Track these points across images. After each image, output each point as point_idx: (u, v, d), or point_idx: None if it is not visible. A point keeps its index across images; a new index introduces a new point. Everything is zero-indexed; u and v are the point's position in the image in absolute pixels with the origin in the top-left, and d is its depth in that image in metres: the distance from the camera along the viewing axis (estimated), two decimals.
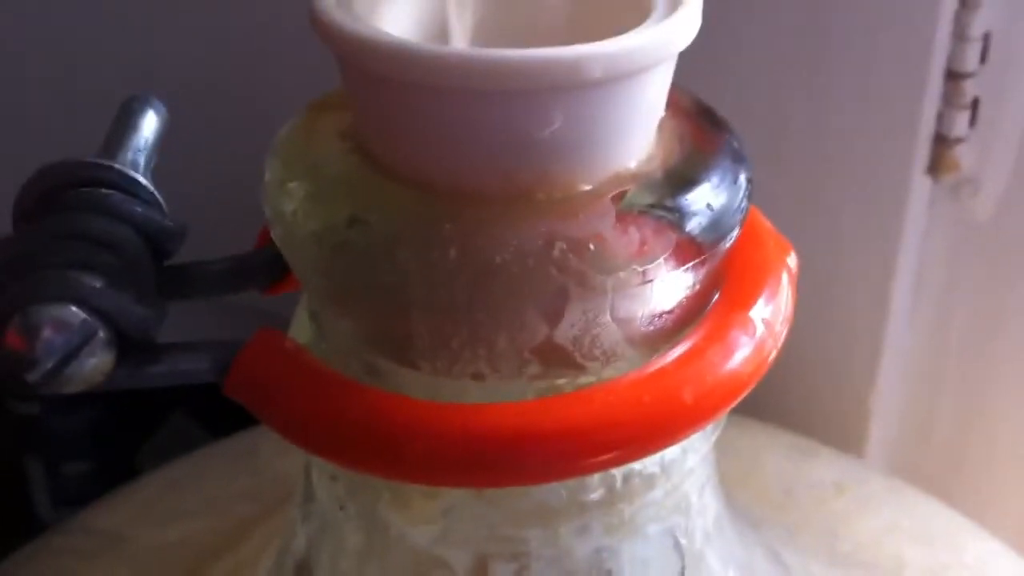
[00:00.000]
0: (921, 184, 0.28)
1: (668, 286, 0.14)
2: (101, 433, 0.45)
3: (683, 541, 0.16)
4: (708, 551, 0.17)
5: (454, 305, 0.13)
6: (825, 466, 0.24)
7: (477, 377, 0.14)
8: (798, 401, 0.30)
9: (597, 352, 0.14)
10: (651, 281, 0.13)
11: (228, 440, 0.26)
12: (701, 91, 0.16)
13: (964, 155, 0.28)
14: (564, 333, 0.13)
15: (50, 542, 0.23)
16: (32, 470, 0.46)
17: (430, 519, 0.15)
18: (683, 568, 0.16)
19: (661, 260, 0.13)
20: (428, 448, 0.13)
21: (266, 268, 0.16)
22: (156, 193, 0.16)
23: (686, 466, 0.15)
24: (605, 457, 0.13)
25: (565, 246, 0.13)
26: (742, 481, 0.22)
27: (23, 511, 0.46)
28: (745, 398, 0.21)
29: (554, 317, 0.13)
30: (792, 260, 0.15)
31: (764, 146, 0.29)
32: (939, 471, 0.30)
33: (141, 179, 0.16)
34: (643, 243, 0.13)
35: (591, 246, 0.13)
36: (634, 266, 0.13)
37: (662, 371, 0.13)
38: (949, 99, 0.27)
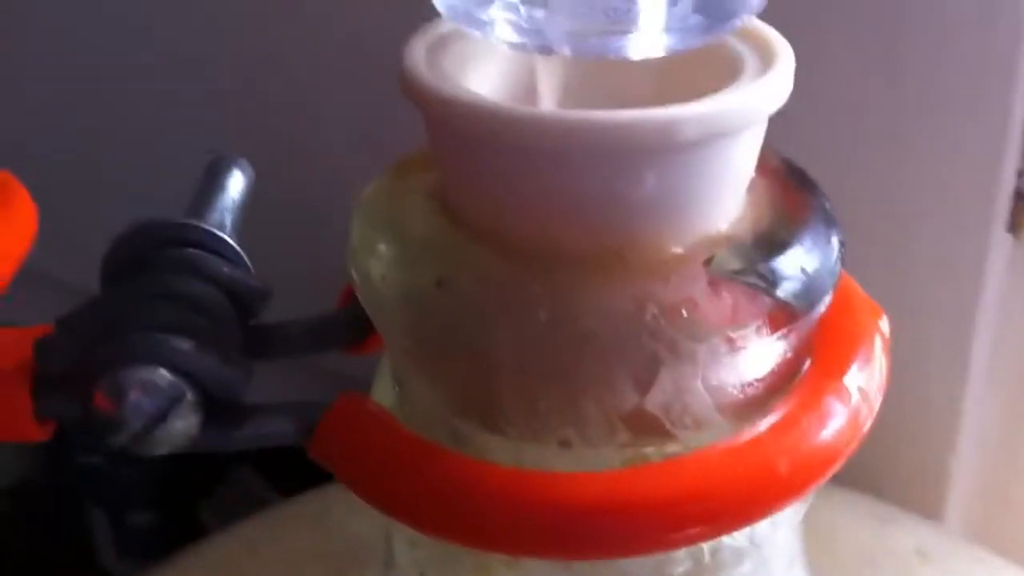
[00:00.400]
0: (1002, 243, 0.27)
1: (760, 353, 0.13)
2: (165, 483, 0.45)
3: None
4: None
5: (543, 369, 0.13)
6: (906, 533, 0.24)
7: (564, 444, 0.13)
8: (876, 466, 0.29)
9: (687, 420, 0.13)
10: (744, 348, 0.13)
11: (298, 500, 0.26)
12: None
13: None
14: (654, 400, 0.13)
15: None
16: (96, 520, 0.46)
17: None
18: None
19: (754, 327, 0.13)
20: (512, 517, 0.13)
21: (349, 328, 0.16)
22: (242, 253, 0.16)
23: (776, 540, 0.15)
24: (695, 531, 0.13)
25: (657, 311, 0.13)
26: (821, 551, 0.21)
27: (88, 562, 0.46)
28: None
29: (645, 384, 0.13)
30: (885, 325, 0.15)
31: (841, 207, 0.29)
32: (1020, 537, 0.29)
33: (228, 239, 0.16)
34: (736, 309, 0.13)
35: (683, 312, 0.13)
36: (727, 333, 0.13)
37: (756, 441, 0.13)
38: None
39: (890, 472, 0.29)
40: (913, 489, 0.29)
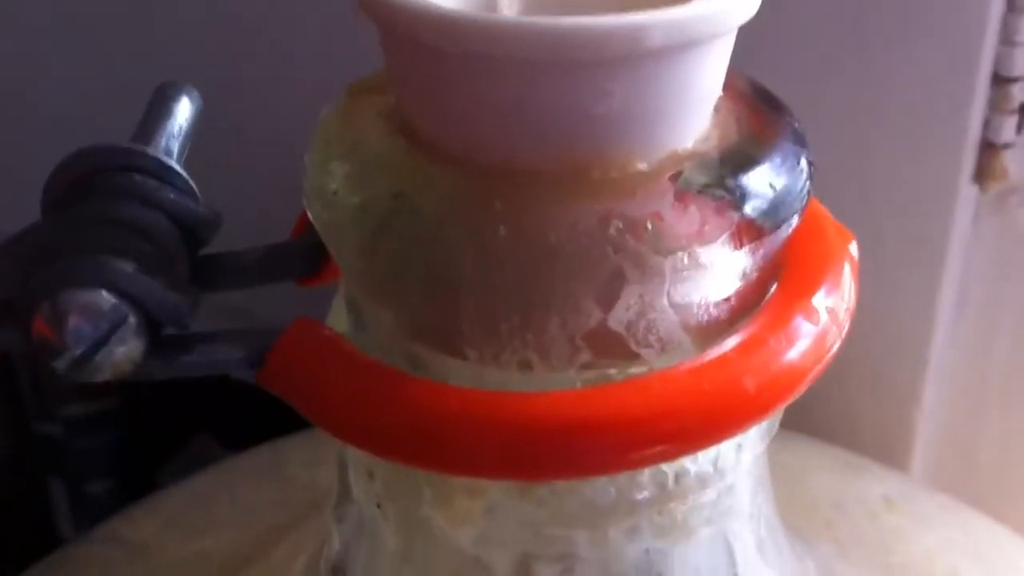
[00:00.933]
0: (968, 194, 0.27)
1: (727, 270, 0.13)
2: (123, 454, 0.44)
3: (736, 546, 0.15)
4: (760, 559, 0.16)
5: (504, 287, 0.12)
6: (874, 481, 0.24)
7: (525, 366, 0.13)
8: (842, 417, 0.29)
9: (652, 339, 0.13)
10: (710, 264, 0.13)
11: (254, 451, 0.25)
12: None
13: (1012, 162, 0.27)
14: (618, 318, 0.13)
15: (72, 552, 0.23)
16: (54, 490, 0.45)
17: (471, 519, 0.14)
18: (736, 570, 0.15)
19: (721, 241, 0.12)
20: (473, 438, 0.12)
21: (303, 257, 0.16)
22: (190, 180, 0.16)
23: (741, 466, 0.14)
24: (660, 449, 0.12)
25: (622, 225, 0.12)
26: (789, 497, 0.21)
27: (46, 532, 0.45)
28: (788, 414, 0.20)
29: (609, 300, 0.12)
30: (854, 249, 0.15)
31: None
32: (985, 488, 0.29)
33: (175, 165, 0.16)
34: (703, 223, 0.12)
35: (649, 225, 0.12)
36: (693, 247, 0.12)
37: (723, 359, 0.13)
38: (996, 104, 0.26)
39: (856, 426, 0.29)
40: (879, 442, 0.29)
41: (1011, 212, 0.28)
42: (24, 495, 0.46)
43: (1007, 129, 0.27)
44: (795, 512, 0.21)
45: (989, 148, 0.27)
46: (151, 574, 0.21)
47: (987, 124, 0.27)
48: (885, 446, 0.29)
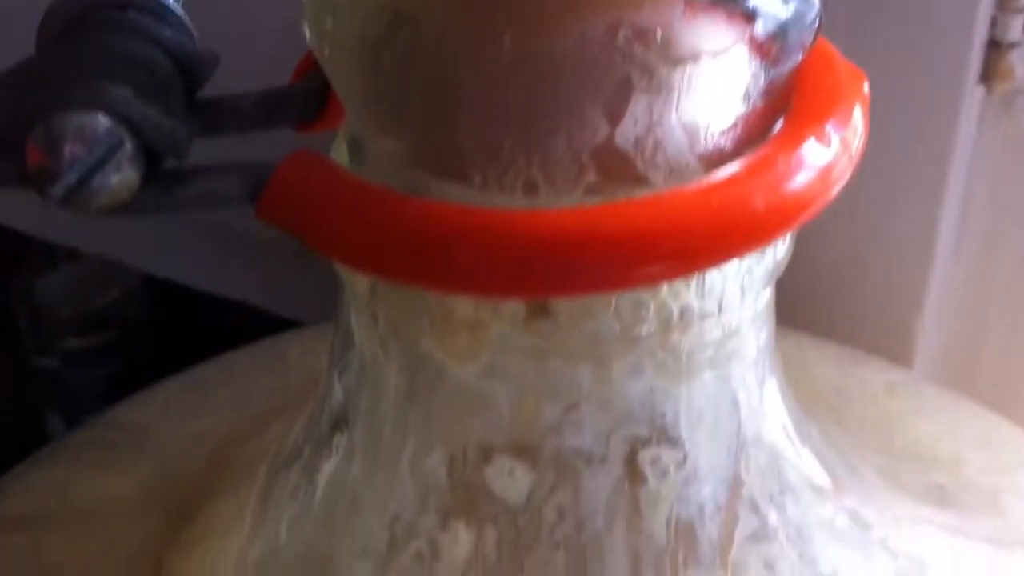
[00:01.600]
0: (974, 95, 0.27)
1: (734, 87, 0.13)
2: (120, 387, 0.44)
3: (740, 394, 0.15)
4: (766, 412, 0.16)
5: (509, 101, 0.12)
6: (876, 371, 0.23)
7: (529, 189, 0.13)
8: (844, 322, 0.29)
9: (659, 160, 0.13)
10: (718, 76, 0.12)
11: (255, 344, 0.25)
12: None
13: (1019, 62, 0.27)
14: (625, 134, 0.12)
15: (74, 438, 0.23)
16: (52, 424, 0.45)
17: (475, 354, 0.14)
18: (740, 423, 0.15)
19: (729, 53, 0.12)
20: (478, 253, 0.12)
21: (302, 102, 0.15)
22: (186, 20, 0.15)
23: (744, 309, 0.14)
24: (667, 265, 0.12)
25: (631, 33, 0.12)
26: (789, 380, 0.21)
27: None
28: (790, 316, 0.20)
29: (616, 111, 0.12)
30: (866, 87, 0.14)
31: None
32: (986, 393, 0.29)
33: (172, 4, 0.15)
34: (712, 34, 0.12)
35: (658, 33, 0.12)
36: (702, 57, 0.12)
37: (732, 178, 0.12)
38: (1003, 3, 0.26)
39: (859, 331, 0.29)
40: (881, 348, 0.29)
41: (1017, 114, 0.27)
42: (21, 429, 0.46)
43: (1014, 28, 0.26)
44: (797, 396, 0.21)
45: (996, 48, 0.27)
46: (149, 453, 0.21)
47: (994, 23, 0.26)
48: (887, 354, 0.29)
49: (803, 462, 0.17)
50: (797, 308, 0.25)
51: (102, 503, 0.20)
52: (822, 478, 0.17)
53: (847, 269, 0.30)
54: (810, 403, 0.21)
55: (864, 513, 0.17)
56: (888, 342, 0.28)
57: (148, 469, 0.20)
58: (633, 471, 0.15)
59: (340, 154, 0.15)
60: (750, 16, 0.12)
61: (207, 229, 0.37)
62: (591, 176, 0.13)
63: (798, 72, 0.14)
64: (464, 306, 0.14)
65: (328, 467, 0.16)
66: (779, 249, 0.14)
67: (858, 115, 0.14)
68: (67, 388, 0.46)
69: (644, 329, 0.13)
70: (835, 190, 0.13)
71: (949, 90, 0.27)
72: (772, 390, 0.16)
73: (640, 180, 0.13)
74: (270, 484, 0.17)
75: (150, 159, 0.14)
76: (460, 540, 0.15)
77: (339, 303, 0.16)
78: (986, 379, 0.29)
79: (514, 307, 0.14)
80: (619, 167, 0.13)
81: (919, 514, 0.18)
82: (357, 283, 0.14)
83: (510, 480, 0.15)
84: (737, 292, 0.14)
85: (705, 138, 0.13)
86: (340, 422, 0.16)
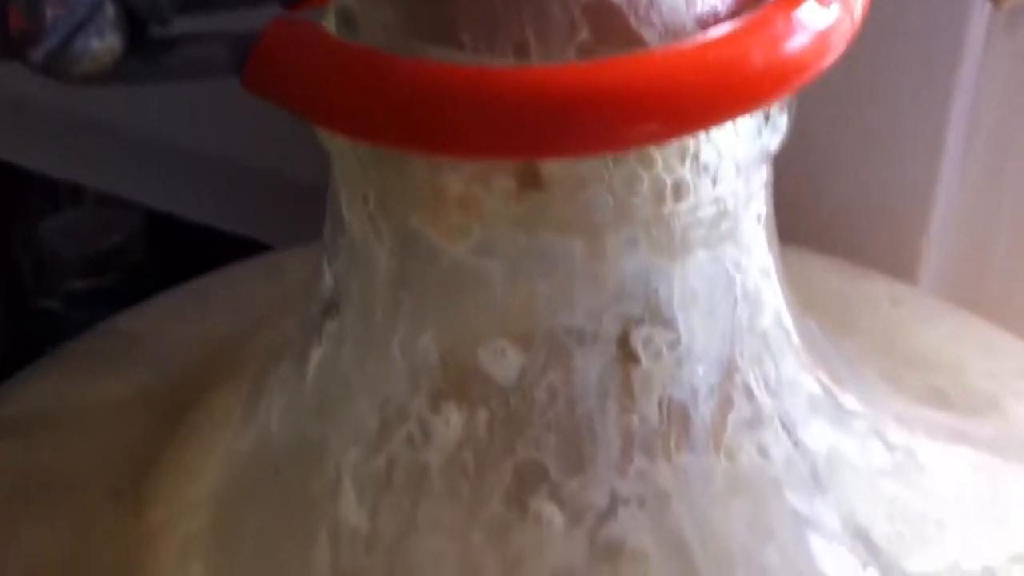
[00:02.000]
0: (980, 11, 0.26)
1: None
2: None
3: (736, 278, 0.15)
4: (762, 299, 0.16)
5: None
6: (879, 284, 0.23)
7: (521, 50, 0.12)
8: (849, 241, 0.28)
9: (654, 18, 0.12)
10: None
11: (254, 259, 0.25)
12: None
13: None
14: None
15: (72, 346, 0.22)
16: None
17: (466, 230, 0.14)
18: (735, 307, 0.15)
19: None
20: (469, 112, 0.12)
21: None
22: None
23: (740, 185, 0.14)
24: (661, 124, 0.12)
25: None
26: (791, 293, 0.21)
27: None
28: (795, 236, 0.19)
29: None
30: None
31: None
32: (990, 315, 0.28)
33: None
34: None
35: None
36: None
37: (730, 36, 0.12)
38: None
39: (863, 248, 0.29)
40: (886, 265, 0.29)
41: (1022, 35, 0.27)
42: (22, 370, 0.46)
43: None
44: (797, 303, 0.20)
45: None
46: (144, 358, 0.21)
47: None
48: (892, 271, 0.28)
49: (800, 353, 0.16)
50: (801, 227, 0.25)
51: (96, 405, 0.20)
52: (819, 370, 0.17)
53: (852, 188, 0.29)
54: (811, 310, 0.21)
55: (862, 407, 0.17)
56: (893, 261, 0.28)
57: (143, 373, 0.20)
58: (626, 351, 0.14)
59: (329, 26, 0.14)
60: None
61: (211, 163, 0.37)
62: (583, 34, 0.12)
63: None
64: (454, 180, 0.14)
65: (319, 354, 0.16)
66: (775, 123, 0.14)
67: None
68: (69, 330, 0.45)
69: (638, 202, 0.13)
70: (835, 54, 0.13)
71: (956, 5, 0.27)
72: (769, 278, 0.16)
73: (634, 39, 0.12)
74: (261, 376, 0.17)
75: (134, 26, 0.13)
76: (451, 422, 0.15)
77: (330, 189, 0.16)
78: (991, 299, 0.29)
79: (505, 180, 0.13)
80: (612, 25, 0.12)
81: (918, 413, 0.18)
82: (347, 160, 0.14)
83: (502, 360, 0.15)
84: (732, 167, 0.14)
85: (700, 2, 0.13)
86: (331, 308, 0.16)
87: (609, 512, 0.15)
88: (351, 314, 0.15)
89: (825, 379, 0.17)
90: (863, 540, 0.16)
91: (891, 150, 0.28)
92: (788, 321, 0.16)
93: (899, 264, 0.28)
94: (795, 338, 0.16)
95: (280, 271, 0.23)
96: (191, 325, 0.21)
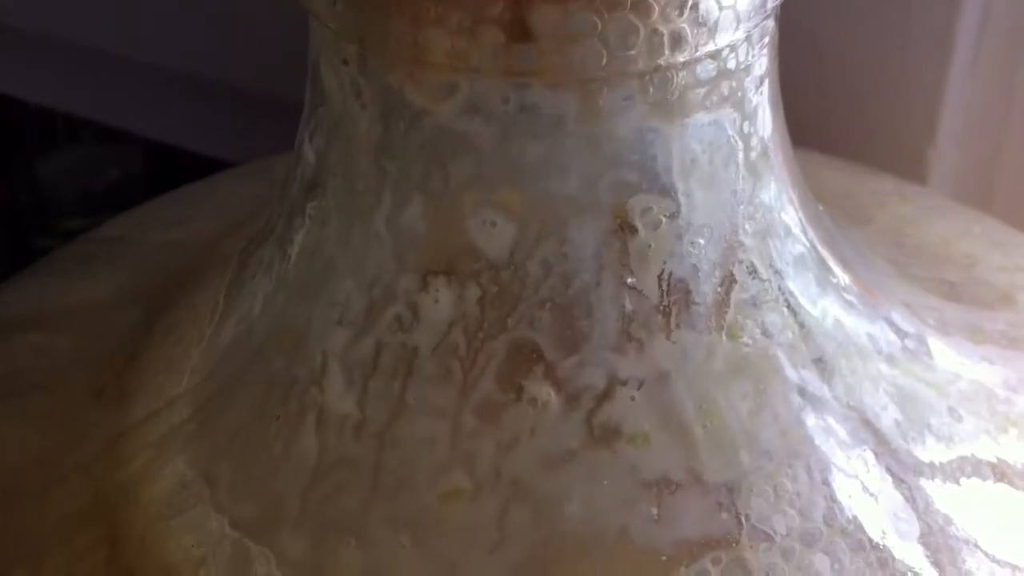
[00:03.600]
0: None
1: None
2: None
3: (739, 146, 0.14)
4: (766, 173, 0.15)
5: None
6: (888, 183, 0.22)
7: None
8: (857, 145, 0.28)
9: None
10: None
11: (243, 165, 0.24)
12: None
13: None
14: None
15: (48, 257, 0.22)
16: None
17: (452, 89, 0.13)
18: (738, 179, 0.14)
19: None
20: None
21: None
22: None
23: (740, 43, 0.13)
24: None
25: None
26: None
27: None
28: (802, 140, 0.19)
29: None
30: None
31: None
32: (1002, 218, 0.28)
33: None
34: None
35: None
36: None
37: None
38: None
39: (871, 153, 0.28)
40: (894, 170, 0.28)
41: None
42: None
43: None
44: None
45: None
46: (127, 260, 0.20)
47: None
48: (900, 175, 0.28)
49: (807, 232, 0.16)
50: (808, 132, 0.24)
51: (77, 307, 0.19)
52: (827, 252, 0.16)
53: (859, 91, 0.28)
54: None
55: (870, 292, 0.16)
56: (901, 166, 0.27)
57: (126, 275, 0.20)
58: (622, 222, 0.14)
59: None
60: None
61: (211, 91, 0.36)
62: None
63: None
64: (439, 35, 0.13)
65: (301, 236, 0.15)
66: None
67: None
68: None
69: (633, 55, 0.12)
70: None
71: None
72: (774, 150, 0.15)
73: None
74: (242, 265, 0.16)
75: None
76: (441, 301, 0.14)
77: (309, 58, 0.15)
78: (1001, 205, 0.28)
79: (493, 33, 0.13)
80: None
81: (929, 301, 0.18)
82: (327, 20, 0.13)
83: (492, 233, 0.14)
84: (732, 19, 0.13)
85: None
86: (313, 188, 0.15)
87: (606, 393, 0.14)
88: (334, 190, 0.15)
89: (832, 262, 0.16)
90: (870, 427, 0.15)
91: (900, 50, 0.27)
92: (794, 198, 0.16)
93: (907, 170, 0.28)
94: (801, 216, 0.16)
95: (268, 172, 0.23)
96: (176, 228, 0.21)
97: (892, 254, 0.19)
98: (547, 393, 0.14)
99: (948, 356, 0.17)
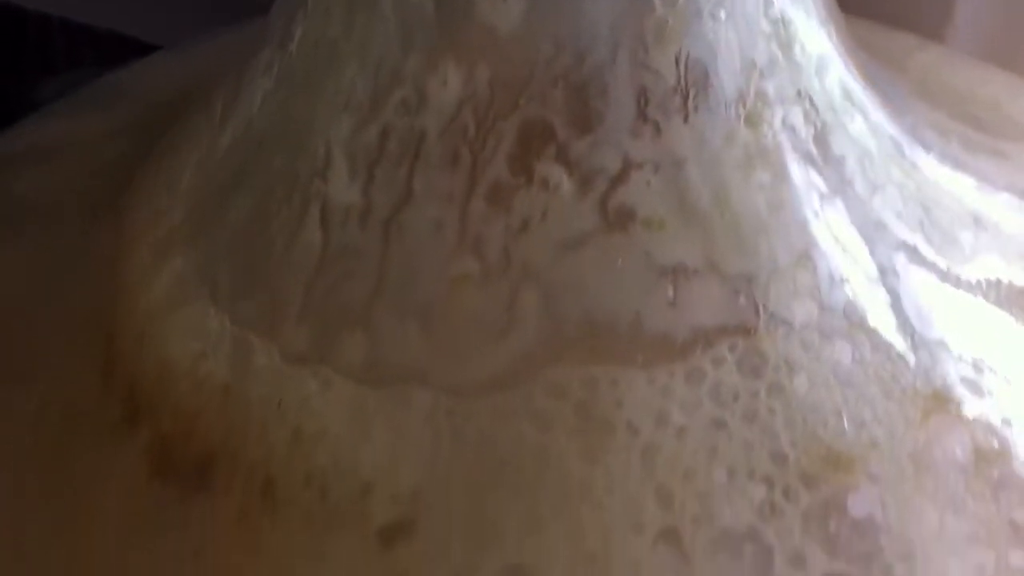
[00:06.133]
0: None
1: None
2: None
3: None
4: None
5: None
6: (909, 38, 0.22)
7: None
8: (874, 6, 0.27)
9: None
10: None
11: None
12: None
13: None
14: None
15: (49, 105, 0.21)
16: None
17: None
18: None
19: None
20: None
21: None
22: None
23: None
24: None
25: None
26: None
27: None
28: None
29: None
30: None
31: None
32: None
33: None
34: None
35: None
36: None
37: None
38: None
39: (887, 10, 0.27)
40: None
41: None
42: None
43: None
44: None
45: None
46: (130, 99, 0.19)
47: None
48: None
49: (832, 36, 0.15)
50: None
51: (76, 140, 0.19)
52: (851, 62, 0.15)
53: None
54: None
55: (896, 106, 0.16)
56: (920, 26, 0.26)
57: (126, 110, 0.19)
58: None
59: None
60: None
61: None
62: None
63: None
64: None
65: (302, 28, 0.15)
66: None
67: None
68: None
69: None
70: None
71: None
72: None
73: None
74: (241, 72, 0.16)
75: None
76: (449, 82, 0.14)
77: None
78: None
79: None
80: None
81: (954, 126, 0.17)
82: None
83: (502, 8, 0.13)
84: None
85: None
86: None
87: (621, 177, 0.14)
88: None
89: (857, 71, 0.16)
90: (889, 229, 0.15)
91: None
92: (820, 5, 0.15)
93: (928, 30, 0.27)
94: (827, 25, 0.15)
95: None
96: (179, 72, 0.20)
97: (918, 91, 0.19)
98: (559, 175, 0.13)
99: (972, 170, 0.16)
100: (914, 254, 0.15)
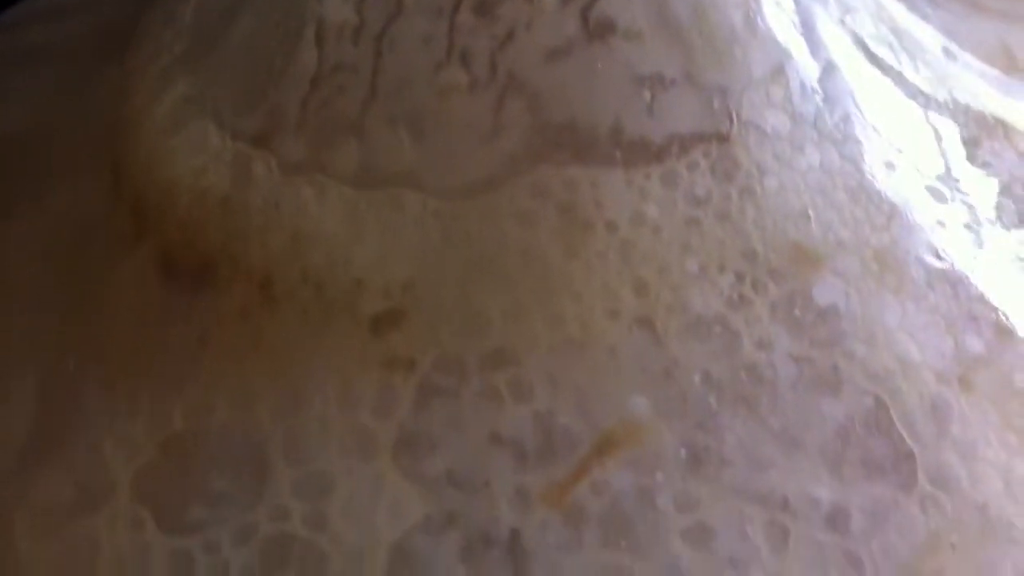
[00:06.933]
0: None
1: None
2: None
3: None
4: None
5: None
6: None
7: None
8: None
9: None
10: None
11: None
12: None
13: None
14: None
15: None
16: None
17: None
18: None
19: None
20: None
21: None
22: None
23: None
24: None
25: None
26: None
27: None
28: None
29: None
30: None
31: None
32: None
33: None
34: None
35: None
36: None
37: None
38: None
39: None
40: None
41: None
42: None
43: None
44: None
45: None
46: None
47: None
48: None
49: None
50: None
51: (53, 42, 0.19)
52: None
53: None
54: None
55: None
56: None
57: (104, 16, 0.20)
58: None
59: None
60: None
61: None
62: None
63: None
64: None
65: None
66: None
67: None
68: None
69: None
70: None
71: None
72: None
73: None
74: None
75: None
76: None
77: None
78: None
79: None
80: None
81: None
82: None
83: None
84: None
85: None
86: None
87: None
88: None
89: None
90: (864, 46, 0.15)
91: None
92: None
93: None
94: None
95: None
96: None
97: None
98: None
99: (954, 10, 0.17)
100: (886, 68, 0.15)
